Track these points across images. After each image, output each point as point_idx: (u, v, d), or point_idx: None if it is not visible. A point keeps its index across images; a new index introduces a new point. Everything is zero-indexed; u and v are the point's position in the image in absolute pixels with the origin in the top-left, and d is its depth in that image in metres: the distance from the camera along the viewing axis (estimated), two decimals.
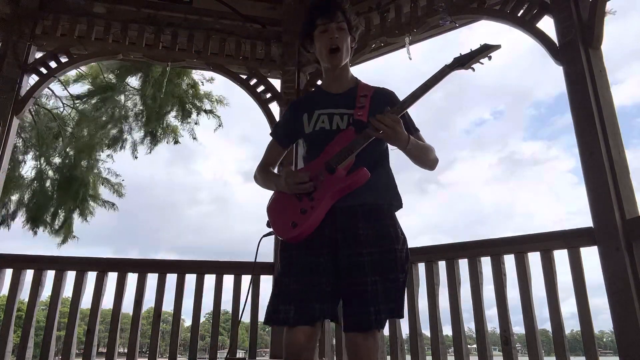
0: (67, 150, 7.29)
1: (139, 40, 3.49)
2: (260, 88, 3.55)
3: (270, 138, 1.94)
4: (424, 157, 1.71)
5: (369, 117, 1.58)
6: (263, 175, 1.85)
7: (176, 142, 7.38)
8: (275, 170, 1.92)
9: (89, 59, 3.57)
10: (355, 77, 1.85)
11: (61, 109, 7.36)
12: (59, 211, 7.27)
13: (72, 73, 6.91)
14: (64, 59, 3.39)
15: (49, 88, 7.05)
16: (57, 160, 7.35)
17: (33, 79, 3.43)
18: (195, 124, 7.21)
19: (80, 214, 7.36)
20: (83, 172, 7.26)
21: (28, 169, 7.27)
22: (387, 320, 1.59)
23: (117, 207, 7.74)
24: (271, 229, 1.68)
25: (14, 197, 7.13)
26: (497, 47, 1.62)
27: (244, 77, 3.59)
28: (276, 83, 3.61)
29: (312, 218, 1.56)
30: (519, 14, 2.71)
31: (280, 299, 1.55)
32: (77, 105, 7.26)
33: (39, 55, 3.40)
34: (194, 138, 7.44)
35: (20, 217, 7.21)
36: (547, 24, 2.65)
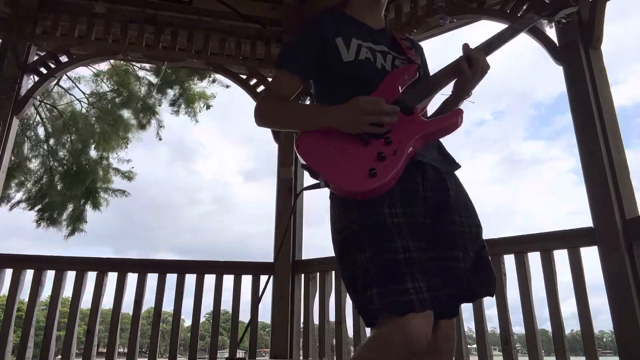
0: (76, 144, 7.29)
1: (139, 40, 3.48)
2: (260, 88, 3.55)
3: (285, 71, 1.39)
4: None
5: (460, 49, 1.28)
6: (287, 105, 1.36)
7: (208, 107, 7.19)
8: None
9: (89, 59, 3.57)
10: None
11: (76, 105, 7.39)
12: (68, 204, 7.26)
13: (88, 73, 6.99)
14: (64, 59, 3.39)
15: (59, 86, 7.09)
16: (64, 154, 7.34)
17: (33, 79, 3.43)
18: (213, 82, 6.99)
19: (92, 205, 7.36)
20: (92, 164, 7.27)
21: (36, 165, 7.28)
22: None
23: (128, 193, 7.72)
24: (319, 181, 1.21)
25: (20, 194, 7.13)
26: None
27: (244, 77, 3.59)
28: None
29: (398, 166, 1.16)
30: (519, 14, 2.71)
31: (402, 275, 1.09)
32: (92, 100, 7.29)
33: (39, 55, 3.40)
34: (208, 107, 7.26)
35: (25, 209, 7.19)
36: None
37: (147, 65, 6.73)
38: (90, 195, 7.24)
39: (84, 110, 7.42)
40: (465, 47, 1.28)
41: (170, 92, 7.08)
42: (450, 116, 1.25)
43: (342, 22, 1.41)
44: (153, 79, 7.10)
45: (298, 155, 1.24)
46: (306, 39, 1.40)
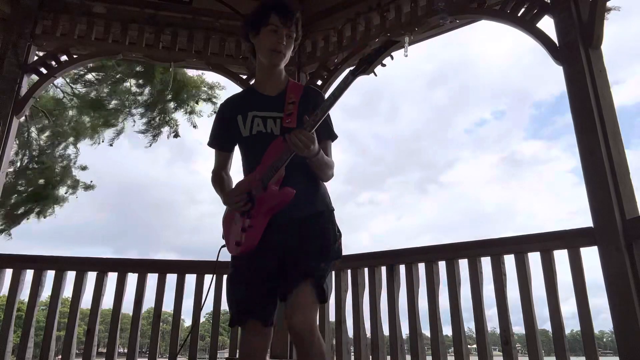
0: (50, 141, 7.23)
1: (139, 40, 3.49)
2: None
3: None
4: (322, 171, 1.74)
5: (292, 129, 1.63)
6: (214, 186, 1.89)
7: (176, 135, 7.28)
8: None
9: (89, 58, 3.57)
10: (287, 77, 1.87)
11: (61, 97, 7.34)
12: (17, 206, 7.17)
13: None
14: (64, 59, 3.39)
15: (54, 85, 7.08)
16: (36, 150, 7.28)
17: (33, 79, 3.43)
18: (191, 112, 7.08)
19: (38, 214, 7.28)
20: (57, 165, 7.23)
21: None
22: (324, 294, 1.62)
23: (93, 185, 7.70)
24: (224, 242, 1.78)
25: None
26: (397, 42, 1.68)
27: (244, 77, 3.59)
28: None
29: (252, 236, 1.65)
30: (519, 14, 2.71)
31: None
32: (77, 91, 7.24)
33: (39, 55, 3.40)
34: (194, 126, 7.31)
35: None
36: (547, 24, 2.65)
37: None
38: (41, 201, 7.15)
39: (68, 103, 7.35)
40: (287, 136, 1.59)
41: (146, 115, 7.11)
42: (280, 195, 1.63)
43: (245, 99, 1.84)
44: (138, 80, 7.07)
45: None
46: (217, 123, 1.89)
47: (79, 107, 7.19)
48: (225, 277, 3.08)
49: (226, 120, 1.83)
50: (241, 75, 3.60)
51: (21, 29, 3.30)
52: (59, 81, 7.19)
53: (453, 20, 3.01)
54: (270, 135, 1.71)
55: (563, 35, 2.52)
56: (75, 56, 3.41)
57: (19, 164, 7.13)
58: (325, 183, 1.81)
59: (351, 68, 1.62)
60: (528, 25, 2.67)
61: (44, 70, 3.35)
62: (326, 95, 1.64)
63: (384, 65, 1.63)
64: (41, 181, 7.14)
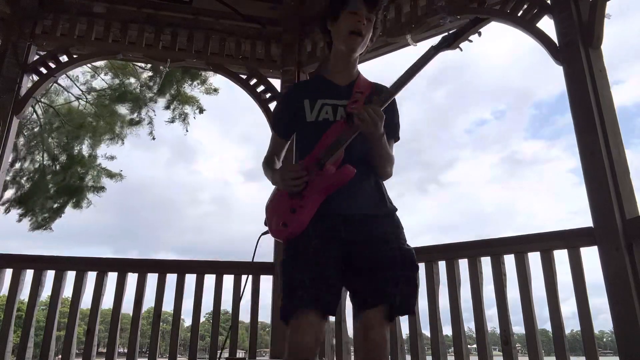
0: (68, 143, 7.28)
1: (139, 40, 3.49)
2: (260, 88, 3.55)
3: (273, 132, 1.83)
4: (383, 162, 1.64)
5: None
6: (266, 168, 1.76)
7: (201, 111, 7.22)
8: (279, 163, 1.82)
9: (89, 58, 3.58)
10: (358, 71, 1.77)
11: (74, 102, 7.39)
12: (52, 201, 7.24)
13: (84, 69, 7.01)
14: (64, 59, 3.39)
15: (57, 83, 7.11)
16: (58, 151, 7.33)
17: (32, 79, 3.43)
18: (203, 82, 6.96)
19: (74, 204, 7.35)
20: (83, 161, 7.27)
21: (28, 164, 7.28)
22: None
23: (105, 189, 7.71)
24: (267, 228, 1.64)
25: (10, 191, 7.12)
26: (484, 19, 1.60)
27: (244, 77, 3.59)
28: (276, 83, 3.61)
29: (301, 218, 1.52)
30: (519, 14, 2.71)
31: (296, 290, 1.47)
32: (90, 98, 7.29)
33: (39, 55, 3.40)
34: (201, 111, 7.26)
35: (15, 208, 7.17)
36: (547, 24, 2.66)
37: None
38: (74, 193, 7.23)
39: (80, 107, 7.41)
40: (357, 106, 1.54)
41: (165, 97, 7.10)
42: (338, 174, 1.52)
43: (315, 86, 1.76)
44: (149, 73, 7.08)
45: None
46: (282, 105, 1.84)
47: (97, 109, 7.22)
48: (225, 277, 3.12)
49: (292, 104, 1.72)
50: (241, 75, 3.60)
51: (21, 29, 3.30)
52: (76, 91, 7.28)
53: (453, 20, 3.00)
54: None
55: (563, 35, 2.52)
56: (75, 56, 3.41)
57: (37, 165, 7.17)
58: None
59: (434, 43, 1.54)
60: (528, 25, 2.67)
61: (44, 70, 3.35)
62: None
63: (470, 41, 1.53)
64: (68, 176, 7.16)
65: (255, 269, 3.14)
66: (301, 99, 1.68)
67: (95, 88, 7.34)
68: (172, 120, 7.20)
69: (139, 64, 6.91)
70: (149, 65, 6.70)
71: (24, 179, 7.16)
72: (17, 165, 7.14)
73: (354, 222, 1.54)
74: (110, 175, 7.68)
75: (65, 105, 7.38)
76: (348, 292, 1.55)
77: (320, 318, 1.43)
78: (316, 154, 1.57)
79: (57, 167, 7.22)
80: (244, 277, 3.07)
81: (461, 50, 1.55)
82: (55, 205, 7.30)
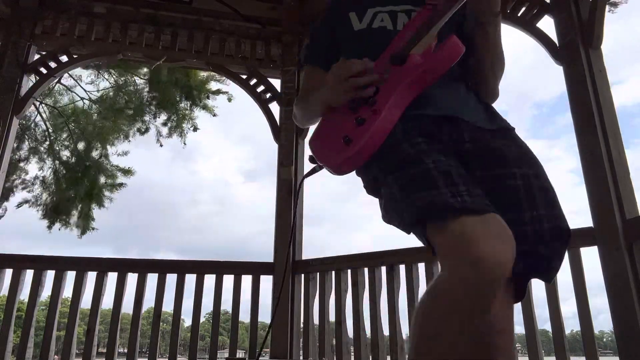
0: (77, 144, 7.32)
1: (139, 40, 3.48)
2: (260, 88, 3.55)
3: (307, 65, 1.40)
4: (497, 67, 1.21)
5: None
6: (304, 101, 1.31)
7: (195, 129, 7.35)
8: None
9: (89, 59, 3.57)
10: None
11: (78, 103, 7.43)
12: (75, 205, 7.32)
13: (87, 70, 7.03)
14: (64, 59, 3.39)
15: (60, 84, 7.13)
16: (67, 154, 7.38)
17: (32, 79, 3.43)
18: (204, 108, 7.12)
19: (97, 204, 7.43)
20: (95, 162, 7.32)
21: (34, 166, 7.33)
22: None
23: (125, 184, 7.77)
24: (315, 165, 1.18)
25: (23, 192, 7.16)
26: None
27: (244, 77, 3.59)
28: (276, 83, 3.61)
29: (377, 124, 1.03)
30: (519, 14, 2.71)
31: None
32: (95, 98, 7.33)
33: (39, 55, 3.40)
34: (196, 129, 7.42)
35: (33, 208, 7.23)
36: (547, 24, 2.65)
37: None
38: (93, 194, 7.29)
39: (85, 107, 7.46)
40: None
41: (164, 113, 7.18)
42: (445, 47, 1.02)
43: None
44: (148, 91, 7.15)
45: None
46: (317, 31, 1.41)
47: (103, 113, 7.27)
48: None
49: (333, 20, 1.34)
50: (241, 75, 3.60)
51: (21, 29, 3.30)
52: (80, 92, 7.30)
53: None
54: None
55: (563, 35, 2.52)
56: (75, 56, 3.41)
57: (50, 171, 7.22)
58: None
59: None
60: (528, 25, 2.67)
61: (44, 70, 3.34)
62: None
63: None
64: (83, 179, 7.21)
65: (256, 268, 3.14)
66: (346, 12, 1.30)
67: (99, 88, 7.39)
68: (170, 135, 7.34)
69: (139, 74, 6.96)
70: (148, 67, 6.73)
71: (42, 187, 7.22)
72: (34, 172, 7.21)
73: (468, 130, 1.11)
74: (124, 171, 7.74)
75: (70, 106, 7.41)
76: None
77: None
78: (383, 58, 1.13)
79: (70, 171, 7.27)
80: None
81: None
82: (81, 208, 7.39)
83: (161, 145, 7.53)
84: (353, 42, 1.26)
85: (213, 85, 6.87)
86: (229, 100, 6.87)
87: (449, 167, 0.97)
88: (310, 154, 1.18)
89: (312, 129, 1.28)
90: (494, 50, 1.17)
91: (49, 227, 7.21)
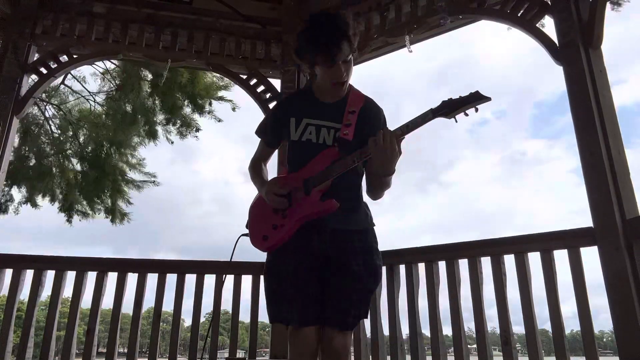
0: (89, 143, 7.35)
1: (139, 40, 3.49)
2: (260, 88, 3.56)
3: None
4: (381, 190, 1.75)
5: (348, 141, 1.63)
6: (252, 173, 1.87)
7: (197, 130, 7.35)
8: (267, 170, 1.92)
9: (89, 59, 3.57)
10: (350, 85, 1.75)
11: (84, 104, 7.44)
12: (103, 198, 7.42)
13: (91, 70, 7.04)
14: (64, 59, 3.39)
15: (65, 84, 7.14)
16: (87, 152, 7.41)
17: (33, 79, 3.43)
18: (209, 112, 7.16)
19: (124, 201, 7.54)
20: (114, 163, 7.38)
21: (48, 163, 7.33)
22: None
23: (158, 182, 7.88)
24: (247, 231, 1.75)
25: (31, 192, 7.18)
26: (488, 99, 1.47)
27: (244, 77, 3.59)
28: (276, 83, 3.61)
29: (281, 235, 1.64)
30: (519, 14, 2.71)
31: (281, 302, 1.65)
32: (100, 100, 7.36)
33: (39, 55, 3.40)
34: (197, 130, 7.44)
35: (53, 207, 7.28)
36: (547, 24, 2.65)
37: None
38: (117, 191, 7.37)
39: (93, 109, 7.47)
40: (380, 132, 1.52)
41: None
42: (323, 205, 1.59)
43: (302, 103, 1.77)
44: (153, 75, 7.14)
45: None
46: (273, 117, 1.87)
47: (112, 119, 7.29)
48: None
49: (280, 119, 1.78)
50: (241, 75, 3.60)
51: (21, 29, 3.30)
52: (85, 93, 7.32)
53: (453, 20, 3.00)
54: (321, 145, 1.68)
55: (563, 35, 2.52)
56: (75, 56, 3.41)
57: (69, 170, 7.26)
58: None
59: (432, 107, 1.53)
60: (528, 25, 2.67)
61: (44, 70, 3.35)
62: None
63: (466, 114, 1.51)
64: (101, 176, 7.26)
65: (256, 269, 3.14)
66: (288, 116, 1.74)
67: (105, 90, 7.39)
68: (176, 135, 7.40)
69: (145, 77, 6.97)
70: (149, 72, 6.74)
71: (56, 184, 7.24)
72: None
73: (332, 236, 1.65)
74: (132, 166, 7.78)
75: (76, 107, 7.42)
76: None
77: (313, 330, 1.57)
78: (303, 175, 1.65)
79: (87, 171, 7.31)
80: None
81: (456, 121, 1.51)
82: (108, 204, 7.48)
83: (172, 143, 7.52)
84: (290, 148, 1.75)
85: (217, 92, 6.90)
86: (233, 109, 6.88)
87: (298, 290, 1.60)
88: (248, 219, 1.77)
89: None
90: (379, 188, 1.73)
91: (69, 221, 7.29)
